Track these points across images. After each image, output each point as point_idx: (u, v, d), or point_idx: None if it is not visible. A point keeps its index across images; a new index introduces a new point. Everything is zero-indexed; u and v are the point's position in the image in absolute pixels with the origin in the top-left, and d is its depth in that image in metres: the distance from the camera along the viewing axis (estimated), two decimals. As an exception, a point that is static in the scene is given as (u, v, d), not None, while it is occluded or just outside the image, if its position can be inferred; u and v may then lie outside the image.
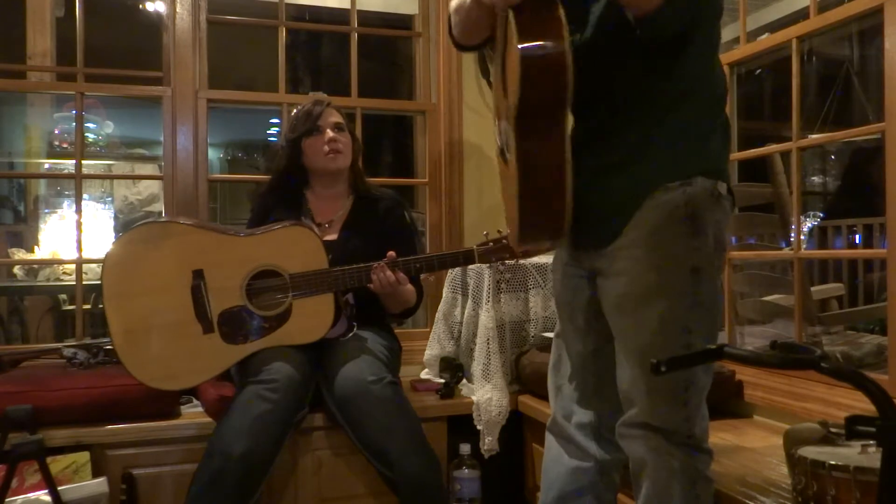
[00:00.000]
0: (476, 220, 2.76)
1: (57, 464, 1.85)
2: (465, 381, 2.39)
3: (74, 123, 2.64)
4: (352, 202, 2.25)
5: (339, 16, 3.05)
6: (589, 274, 1.37)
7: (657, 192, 1.23)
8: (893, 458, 0.81)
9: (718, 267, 1.29)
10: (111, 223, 4.21)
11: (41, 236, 3.59)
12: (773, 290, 2.79)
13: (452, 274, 2.48)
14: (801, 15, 2.07)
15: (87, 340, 2.35)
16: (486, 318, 2.30)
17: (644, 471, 1.29)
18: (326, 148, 2.14)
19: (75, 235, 2.53)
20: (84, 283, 2.57)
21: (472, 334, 2.38)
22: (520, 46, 1.13)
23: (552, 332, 1.61)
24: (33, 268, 3.33)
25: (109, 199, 4.35)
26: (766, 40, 2.24)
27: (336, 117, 2.19)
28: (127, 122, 5.05)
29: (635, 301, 1.25)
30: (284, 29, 2.72)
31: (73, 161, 2.57)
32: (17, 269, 3.39)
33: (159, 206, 4.27)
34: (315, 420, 2.04)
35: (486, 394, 2.22)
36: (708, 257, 1.25)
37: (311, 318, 1.98)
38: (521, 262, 2.24)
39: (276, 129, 5.31)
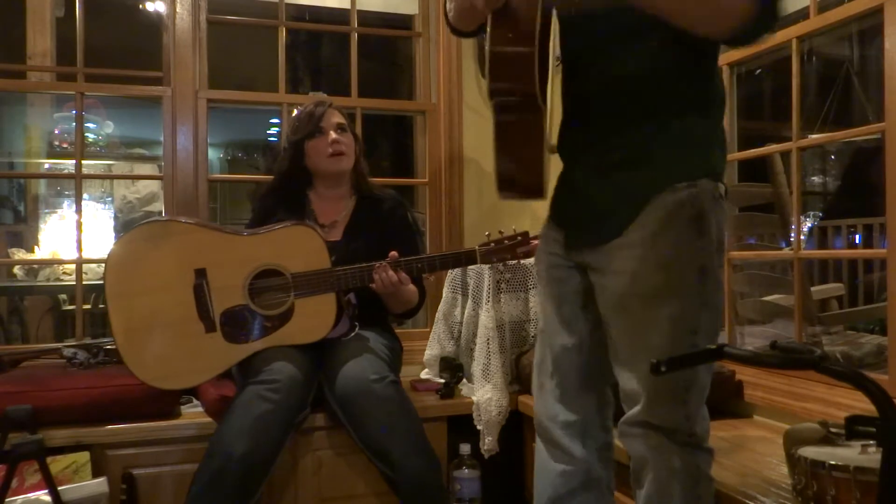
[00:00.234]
0: (476, 220, 2.76)
1: (57, 464, 1.85)
2: (465, 381, 2.39)
3: (74, 123, 2.64)
4: (354, 203, 2.25)
5: (339, 16, 3.05)
6: (579, 266, 1.37)
7: (665, 192, 1.23)
8: (893, 458, 0.81)
9: (720, 266, 1.29)
10: (111, 223, 4.21)
11: (41, 236, 3.59)
12: (773, 290, 2.79)
13: (452, 274, 2.48)
14: (801, 15, 2.07)
15: (87, 340, 2.35)
16: (486, 318, 2.30)
17: (645, 469, 1.29)
18: (329, 150, 2.14)
19: (75, 235, 2.53)
20: (84, 283, 2.57)
21: (472, 334, 2.38)
22: (488, 49, 1.21)
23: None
24: (33, 268, 3.33)
25: (109, 198, 4.35)
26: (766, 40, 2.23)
27: (338, 118, 2.19)
28: (127, 122, 5.05)
29: (642, 301, 1.25)
30: (284, 29, 2.73)
31: (73, 161, 2.57)
32: (17, 269, 3.38)
33: (159, 206, 4.27)
34: (316, 420, 2.04)
35: (486, 394, 2.23)
36: (712, 257, 1.26)
37: (313, 318, 1.98)
38: (522, 262, 2.24)
39: (277, 129, 5.31)
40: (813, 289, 2.87)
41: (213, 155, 6.34)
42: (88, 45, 2.57)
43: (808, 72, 4.85)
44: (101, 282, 1.95)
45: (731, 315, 2.39)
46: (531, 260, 2.28)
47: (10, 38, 2.92)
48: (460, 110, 2.77)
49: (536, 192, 1.31)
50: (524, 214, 2.62)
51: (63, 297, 3.59)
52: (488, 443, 2.22)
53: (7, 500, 1.74)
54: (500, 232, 2.08)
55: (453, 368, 2.35)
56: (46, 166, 4.09)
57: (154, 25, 3.13)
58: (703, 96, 1.29)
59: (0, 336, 3.65)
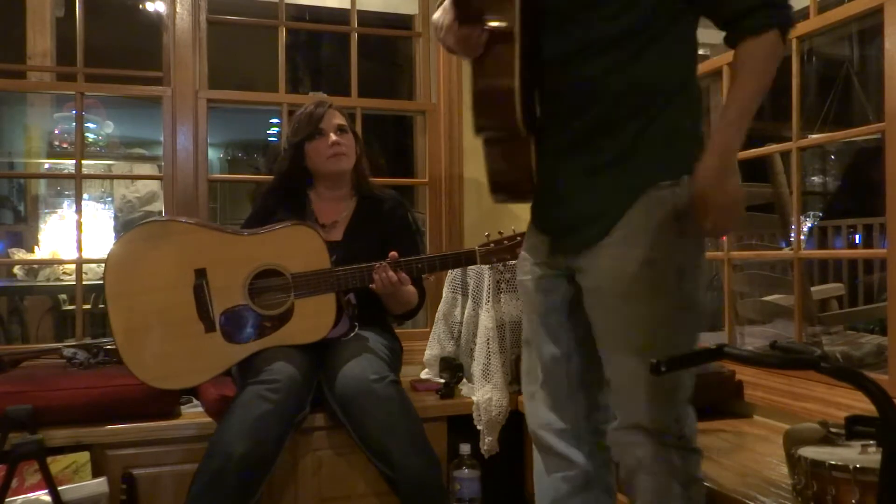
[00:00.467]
0: (476, 220, 2.76)
1: (57, 464, 1.85)
2: (465, 381, 2.39)
3: (74, 123, 2.64)
4: (355, 203, 2.25)
5: (339, 16, 3.05)
6: (567, 273, 1.37)
7: (649, 190, 1.24)
8: (893, 458, 0.81)
9: (699, 266, 1.29)
10: (111, 223, 4.21)
11: (41, 236, 3.59)
12: (773, 290, 2.79)
13: (452, 274, 2.48)
14: (801, 15, 2.07)
15: (87, 340, 2.35)
16: (486, 318, 2.30)
17: (637, 476, 1.28)
18: (329, 151, 2.14)
19: (75, 235, 2.53)
20: (84, 283, 2.57)
21: (472, 334, 2.38)
22: (471, 88, 1.30)
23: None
24: (33, 268, 3.33)
25: (109, 198, 4.35)
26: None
27: (338, 119, 2.19)
28: (127, 122, 5.05)
29: (623, 299, 1.25)
30: (284, 29, 2.72)
31: (73, 161, 2.57)
32: (17, 269, 3.38)
33: (158, 205, 4.27)
34: (316, 420, 2.04)
35: (486, 394, 2.23)
36: (692, 258, 1.26)
37: (313, 318, 1.98)
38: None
39: (277, 129, 5.30)
40: (813, 289, 2.87)
41: (213, 155, 6.34)
42: (88, 45, 2.57)
43: (808, 72, 4.85)
44: (101, 282, 1.95)
45: (731, 315, 2.39)
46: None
47: (10, 38, 2.92)
48: (460, 110, 2.77)
49: (528, 196, 1.41)
50: (524, 215, 2.60)
51: (63, 297, 3.59)
52: (488, 443, 2.22)
53: (7, 500, 1.74)
54: (500, 232, 2.08)
55: (453, 368, 2.35)
56: (46, 166, 4.09)
57: (154, 25, 3.13)
58: (685, 95, 1.29)
59: (0, 336, 3.65)
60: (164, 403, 2.03)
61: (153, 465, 1.97)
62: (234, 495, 1.73)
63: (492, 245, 2.06)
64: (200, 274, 1.94)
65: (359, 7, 2.82)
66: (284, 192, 2.22)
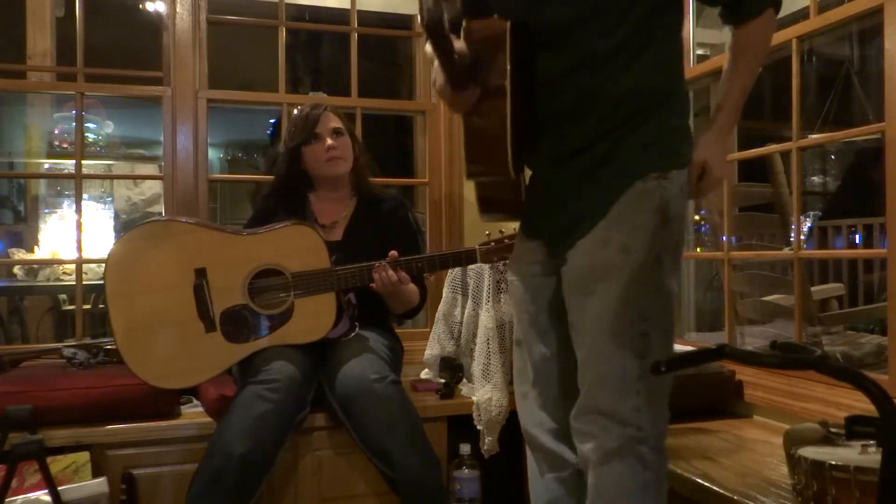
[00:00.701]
0: (476, 219, 2.72)
1: (57, 464, 1.85)
2: (465, 380, 2.39)
3: (74, 123, 2.64)
4: (355, 203, 2.25)
5: (339, 16, 3.05)
6: (556, 273, 1.38)
7: (636, 182, 1.26)
8: (893, 458, 0.81)
9: (676, 262, 1.31)
10: (111, 223, 4.21)
11: (41, 236, 3.59)
12: (773, 290, 2.79)
13: (452, 274, 2.48)
14: (801, 15, 2.07)
15: (87, 340, 2.35)
16: (486, 318, 2.30)
17: (592, 466, 1.27)
18: (326, 155, 2.14)
19: (75, 235, 2.53)
20: (84, 283, 2.57)
21: (472, 334, 2.38)
22: (464, 138, 1.34)
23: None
24: (33, 268, 3.33)
25: (109, 199, 4.35)
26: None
27: (334, 122, 2.18)
28: (127, 122, 5.05)
29: (600, 282, 1.26)
30: (284, 29, 2.72)
31: (73, 161, 2.57)
32: (17, 269, 3.38)
33: (162, 207, 4.27)
34: (316, 420, 2.04)
35: (486, 394, 2.23)
36: (670, 249, 1.28)
37: (313, 318, 1.98)
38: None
39: (274, 128, 5.29)
40: (813, 289, 2.87)
41: (213, 155, 6.34)
42: (88, 45, 2.57)
43: (808, 72, 4.85)
44: (101, 282, 1.95)
45: (731, 315, 2.39)
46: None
47: (10, 38, 2.92)
48: (460, 110, 2.77)
49: (518, 215, 1.47)
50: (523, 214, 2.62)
51: (63, 297, 3.59)
52: (488, 443, 2.22)
53: (7, 500, 1.74)
54: (501, 231, 2.08)
55: (453, 368, 2.35)
56: (46, 166, 4.09)
57: (154, 25, 3.13)
58: (675, 95, 1.32)
59: (0, 336, 3.65)
60: (164, 403, 2.03)
61: (153, 465, 1.97)
62: (234, 495, 1.73)
63: (492, 244, 2.07)
64: (200, 274, 1.94)
65: (359, 7, 2.82)
66: (284, 194, 2.22)
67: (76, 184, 2.54)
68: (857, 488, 1.22)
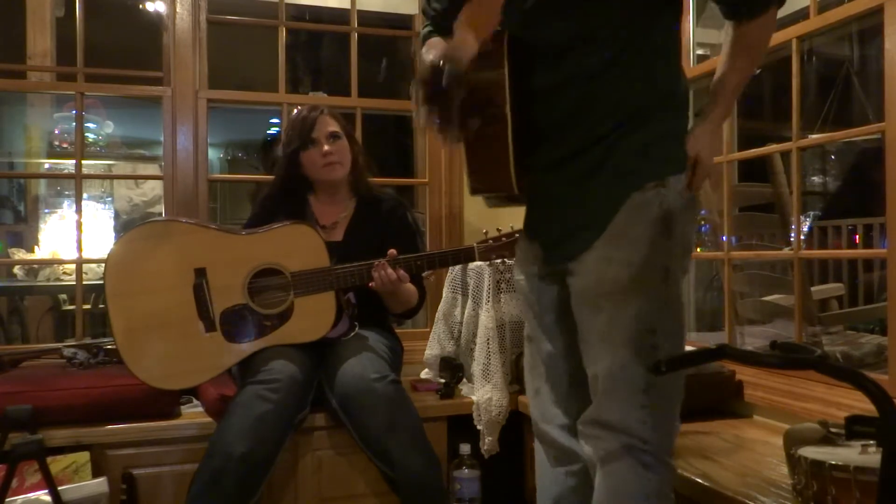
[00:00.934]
0: (476, 219, 2.76)
1: (57, 464, 1.85)
2: (465, 381, 2.39)
3: (74, 123, 2.64)
4: (354, 204, 2.25)
5: (339, 16, 3.05)
6: (560, 274, 1.38)
7: (633, 193, 1.25)
8: (893, 458, 0.81)
9: (684, 270, 1.30)
10: (111, 223, 4.21)
11: (41, 236, 3.59)
12: (773, 290, 2.79)
13: (452, 274, 2.48)
14: (801, 15, 2.07)
15: (87, 340, 2.35)
16: (486, 318, 2.30)
17: (595, 473, 1.27)
18: (322, 161, 2.14)
19: (75, 235, 2.53)
20: (84, 283, 2.57)
21: (472, 334, 2.38)
22: (465, 160, 1.34)
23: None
24: (33, 268, 3.33)
25: (109, 199, 4.35)
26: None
27: (331, 126, 2.16)
28: (127, 122, 5.05)
29: (608, 299, 1.25)
30: (284, 29, 2.72)
31: (73, 161, 2.57)
32: (17, 269, 3.39)
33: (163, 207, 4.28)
34: (316, 420, 2.04)
35: (486, 394, 2.23)
36: (676, 259, 1.27)
37: (313, 317, 1.98)
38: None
39: (276, 129, 5.30)
40: (813, 289, 2.87)
41: (213, 155, 6.34)
42: (88, 45, 2.57)
43: (808, 72, 4.85)
44: (101, 282, 1.95)
45: (731, 315, 2.39)
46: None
47: (10, 38, 2.92)
48: (460, 110, 2.77)
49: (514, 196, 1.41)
50: (524, 214, 2.62)
51: (63, 297, 3.60)
52: (488, 443, 2.22)
53: (7, 500, 1.74)
54: (498, 230, 2.09)
55: (453, 368, 2.35)
56: (46, 166, 4.09)
57: (154, 25, 3.13)
58: (673, 101, 1.31)
59: (0, 336, 3.65)
60: (164, 403, 2.03)
61: (153, 465, 1.97)
62: (234, 495, 1.73)
63: (490, 242, 2.07)
64: (200, 273, 1.94)
65: (359, 7, 2.82)
66: (284, 196, 2.22)
67: (76, 184, 2.55)
68: (857, 488, 1.22)
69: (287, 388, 1.84)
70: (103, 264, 1.99)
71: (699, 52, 2.74)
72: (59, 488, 1.75)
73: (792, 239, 2.31)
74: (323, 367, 2.02)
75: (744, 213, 2.86)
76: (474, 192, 1.38)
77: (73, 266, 2.61)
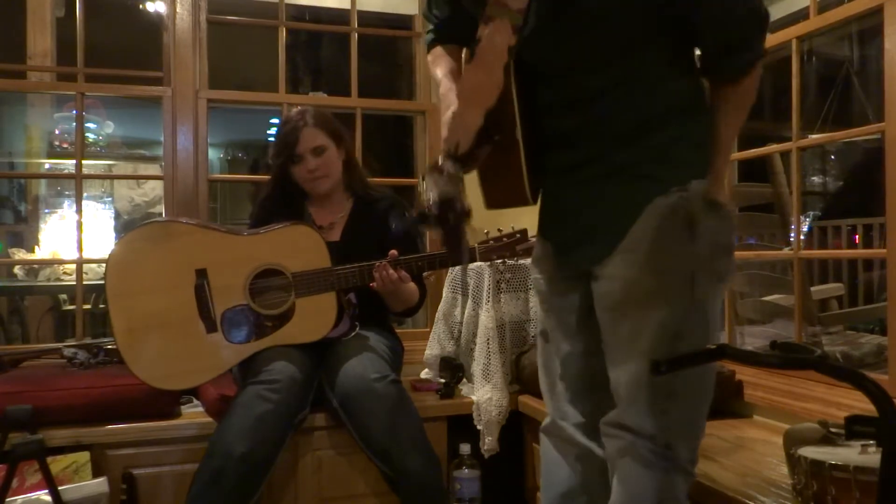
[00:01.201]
0: (476, 220, 2.74)
1: (57, 464, 1.85)
2: (465, 380, 2.39)
3: (74, 123, 2.64)
4: (351, 203, 2.25)
5: (339, 16, 3.05)
6: (580, 274, 1.37)
7: (656, 198, 1.23)
8: (893, 458, 0.81)
9: (717, 272, 1.26)
10: (111, 223, 4.21)
11: (41, 236, 3.59)
12: (773, 290, 2.79)
13: (452, 274, 2.48)
14: (801, 15, 2.07)
15: (88, 340, 2.36)
16: (486, 318, 2.30)
17: (614, 474, 1.27)
18: (307, 176, 2.13)
19: (75, 235, 2.54)
20: (84, 283, 2.57)
21: (472, 334, 2.38)
22: (478, 174, 1.38)
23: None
24: (33, 268, 3.33)
25: (110, 199, 4.36)
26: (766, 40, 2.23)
27: (315, 140, 2.11)
28: (127, 122, 5.05)
29: (634, 306, 1.24)
30: (284, 29, 2.73)
31: (74, 161, 2.57)
32: (17, 269, 3.39)
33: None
34: (316, 420, 2.04)
35: (486, 394, 2.23)
36: (703, 262, 1.24)
37: (314, 318, 1.98)
38: (522, 261, 2.24)
39: (276, 129, 5.30)
40: (813, 289, 2.87)
41: (213, 155, 6.34)
42: (88, 45, 2.57)
43: (808, 72, 4.85)
44: (102, 282, 1.96)
45: (731, 315, 2.39)
46: (530, 259, 2.29)
47: (10, 38, 2.92)
48: (460, 110, 2.77)
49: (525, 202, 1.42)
50: (524, 214, 2.61)
51: (63, 297, 3.60)
52: (488, 443, 2.22)
53: (7, 500, 1.74)
54: (499, 230, 2.09)
55: (453, 368, 2.35)
56: (47, 166, 4.10)
57: (154, 25, 3.13)
58: (691, 108, 1.29)
59: (0, 336, 3.66)
60: (164, 403, 2.03)
61: (153, 465, 1.98)
62: (234, 495, 1.73)
63: (491, 242, 2.07)
64: (201, 274, 1.95)
65: (359, 7, 2.82)
66: (281, 199, 2.22)
67: (76, 184, 2.55)
68: (856, 488, 1.22)
69: (287, 388, 1.84)
70: (104, 264, 1.99)
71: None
72: (60, 488, 1.75)
73: (792, 239, 2.31)
74: (323, 367, 2.03)
75: (744, 213, 2.86)
76: (489, 206, 1.41)
77: (74, 266, 2.61)
